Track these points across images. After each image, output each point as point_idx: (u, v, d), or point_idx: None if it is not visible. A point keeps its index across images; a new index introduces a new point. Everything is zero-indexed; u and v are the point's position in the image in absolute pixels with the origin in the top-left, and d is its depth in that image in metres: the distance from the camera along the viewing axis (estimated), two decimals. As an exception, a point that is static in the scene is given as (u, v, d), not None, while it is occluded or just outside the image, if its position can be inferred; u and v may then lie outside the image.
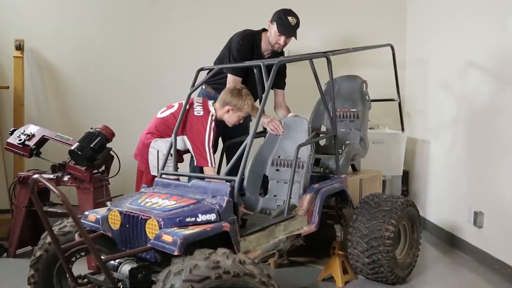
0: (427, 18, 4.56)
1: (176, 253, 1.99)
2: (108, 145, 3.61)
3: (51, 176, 3.58)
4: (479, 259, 3.56)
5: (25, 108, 4.67)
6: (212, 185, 2.45)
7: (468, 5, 3.75)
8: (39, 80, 4.88)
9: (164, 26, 4.87)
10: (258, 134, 3.19)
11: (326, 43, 4.64)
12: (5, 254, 3.75)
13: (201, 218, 2.22)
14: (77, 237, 2.38)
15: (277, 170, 3.17)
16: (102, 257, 2.06)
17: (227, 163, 3.39)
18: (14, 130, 3.79)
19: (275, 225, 2.61)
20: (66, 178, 3.59)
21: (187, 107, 3.13)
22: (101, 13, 4.86)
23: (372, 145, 3.89)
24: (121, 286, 2.10)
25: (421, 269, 3.43)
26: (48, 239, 2.43)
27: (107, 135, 3.58)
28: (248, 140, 2.65)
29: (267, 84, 2.78)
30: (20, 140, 3.69)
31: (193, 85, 3.10)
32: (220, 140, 3.79)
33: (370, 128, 4.43)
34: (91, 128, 3.61)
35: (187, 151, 3.21)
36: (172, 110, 3.24)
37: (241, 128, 3.73)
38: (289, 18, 3.52)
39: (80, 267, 2.55)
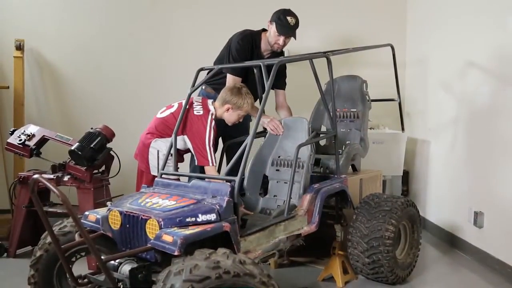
0: (427, 18, 4.56)
1: (176, 253, 1.99)
2: (108, 145, 3.61)
3: (51, 176, 3.58)
4: (479, 259, 3.56)
5: (25, 108, 4.67)
6: (212, 185, 2.45)
7: (468, 5, 3.75)
8: (39, 80, 4.88)
9: (164, 26, 4.87)
10: (258, 134, 3.19)
11: (326, 43, 4.64)
12: (5, 254, 3.75)
13: (201, 218, 2.22)
14: (77, 237, 2.38)
15: (277, 170, 3.17)
16: (102, 257, 2.06)
17: (227, 163, 3.39)
18: (14, 130, 3.79)
19: (275, 225, 2.61)
20: (66, 178, 3.59)
21: (187, 107, 3.13)
22: (101, 13, 4.87)
23: (372, 145, 3.89)
24: (121, 286, 2.10)
25: (421, 269, 3.43)
26: (48, 239, 2.43)
27: (107, 135, 3.58)
28: (248, 140, 2.65)
29: (267, 84, 2.78)
30: (20, 140, 3.69)
31: (193, 85, 3.10)
32: (220, 140, 3.79)
33: (370, 128, 4.43)
34: (91, 128, 3.61)
35: (188, 150, 3.21)
36: (172, 110, 3.24)
37: (241, 128, 3.73)
38: (288, 18, 3.52)
39: (80, 267, 2.56)
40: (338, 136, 3.21)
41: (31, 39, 4.71)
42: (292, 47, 4.10)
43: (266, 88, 2.73)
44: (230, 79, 3.54)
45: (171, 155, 2.91)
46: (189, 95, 3.08)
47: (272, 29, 3.57)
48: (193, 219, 2.20)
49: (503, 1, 3.30)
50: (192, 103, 3.17)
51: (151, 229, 2.15)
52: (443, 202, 4.21)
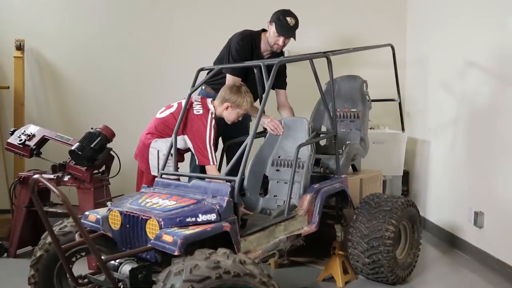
0: (427, 18, 4.56)
1: (176, 253, 1.99)
2: (108, 145, 3.61)
3: (52, 176, 3.58)
4: (479, 259, 3.56)
5: (26, 108, 4.67)
6: (212, 185, 2.45)
7: (468, 5, 3.75)
8: (40, 80, 4.88)
9: (164, 26, 4.88)
10: (258, 134, 3.19)
11: (326, 43, 4.64)
12: (5, 254, 3.75)
13: (202, 218, 2.22)
14: (77, 237, 2.38)
15: (277, 170, 3.17)
16: (103, 257, 2.06)
17: (227, 163, 3.39)
18: (14, 130, 3.79)
19: (275, 225, 2.61)
20: (66, 178, 3.59)
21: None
22: (101, 13, 4.87)
23: (373, 145, 3.89)
24: (122, 286, 2.10)
25: (422, 269, 3.43)
26: (49, 239, 2.44)
27: (107, 135, 3.58)
28: (248, 140, 2.65)
29: (267, 84, 2.78)
30: (21, 140, 3.69)
31: (193, 85, 3.10)
32: (220, 140, 3.79)
33: (370, 128, 4.43)
34: (92, 128, 3.61)
35: (188, 150, 3.21)
36: (171, 110, 3.24)
37: (242, 128, 3.74)
38: (288, 18, 3.52)
39: (80, 267, 2.56)
40: (338, 136, 3.21)
41: (31, 39, 4.72)
42: (292, 47, 4.11)
43: (266, 88, 2.73)
44: (230, 79, 3.54)
45: (171, 155, 2.91)
46: (189, 95, 3.08)
47: (272, 29, 3.56)
48: (193, 219, 2.20)
49: (503, 1, 3.30)
50: (191, 102, 3.17)
51: (151, 229, 2.15)
52: (443, 202, 4.21)
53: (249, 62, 3.44)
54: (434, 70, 4.42)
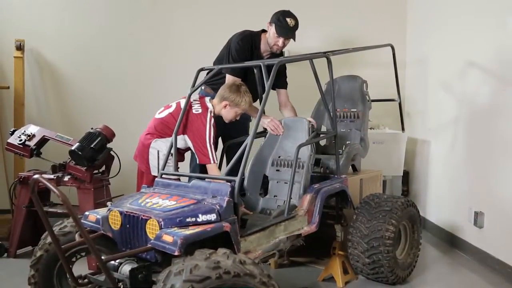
0: (427, 18, 4.56)
1: (176, 253, 1.99)
2: (108, 145, 3.61)
3: (52, 176, 3.58)
4: (479, 259, 3.56)
5: (26, 108, 4.67)
6: (212, 185, 2.45)
7: (468, 5, 3.75)
8: (40, 80, 4.89)
9: (164, 26, 4.88)
10: (258, 134, 3.18)
11: (326, 43, 4.64)
12: (5, 254, 3.74)
13: (202, 218, 2.22)
14: (77, 237, 2.38)
15: (277, 170, 3.17)
16: (103, 257, 2.06)
17: (227, 163, 3.39)
18: (14, 130, 3.79)
19: (275, 225, 2.61)
20: (66, 178, 3.59)
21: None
22: (101, 13, 4.87)
23: (373, 145, 3.89)
24: (122, 286, 2.10)
25: (422, 269, 3.43)
26: (49, 239, 2.44)
27: (107, 135, 3.58)
28: (248, 140, 2.65)
29: (267, 84, 2.77)
30: (21, 140, 3.69)
31: (193, 85, 3.10)
32: (220, 140, 3.79)
33: (370, 128, 4.43)
34: (92, 128, 3.61)
35: (188, 149, 3.21)
36: (170, 110, 3.24)
37: (241, 129, 3.74)
38: (288, 19, 3.51)
39: (80, 267, 2.56)
40: (338, 136, 3.21)
41: (31, 39, 4.72)
42: (292, 47, 4.10)
43: (266, 89, 2.73)
44: (230, 79, 3.54)
45: (171, 155, 2.91)
46: (189, 95, 3.08)
47: (272, 30, 3.56)
48: (193, 219, 2.20)
49: (503, 1, 3.30)
50: (190, 102, 3.18)
51: (151, 229, 2.15)
52: (443, 202, 4.21)
53: (249, 62, 3.44)
54: (434, 70, 4.42)
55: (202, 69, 3.16)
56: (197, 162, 3.16)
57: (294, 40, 3.60)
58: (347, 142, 3.58)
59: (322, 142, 3.70)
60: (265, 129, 3.31)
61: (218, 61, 3.77)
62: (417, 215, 3.27)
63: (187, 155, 3.39)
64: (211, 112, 3.15)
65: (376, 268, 3.02)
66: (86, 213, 2.47)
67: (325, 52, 3.37)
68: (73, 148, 3.46)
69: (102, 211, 2.44)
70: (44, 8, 4.83)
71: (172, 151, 2.91)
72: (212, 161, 3.03)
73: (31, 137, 3.72)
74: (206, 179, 2.67)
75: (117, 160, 3.67)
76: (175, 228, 2.12)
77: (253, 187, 3.13)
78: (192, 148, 3.12)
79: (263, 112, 2.79)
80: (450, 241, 4.00)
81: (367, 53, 4.26)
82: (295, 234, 2.75)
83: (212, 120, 3.12)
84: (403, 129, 4.16)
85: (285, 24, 3.51)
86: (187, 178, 3.09)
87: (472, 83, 3.70)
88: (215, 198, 2.36)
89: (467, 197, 3.75)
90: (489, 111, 3.47)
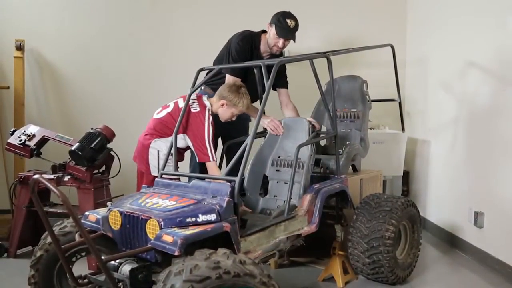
0: (427, 18, 4.56)
1: (176, 253, 1.99)
2: (108, 145, 3.61)
3: (52, 176, 3.58)
4: (479, 259, 3.56)
5: (26, 108, 4.67)
6: (212, 185, 2.45)
7: (468, 5, 3.75)
8: (40, 80, 4.89)
9: (164, 26, 4.88)
10: (258, 134, 3.19)
11: (326, 43, 4.64)
12: (5, 254, 3.75)
13: (202, 218, 2.22)
14: (77, 237, 2.38)
15: (277, 170, 3.17)
16: (103, 257, 2.06)
17: (227, 163, 3.39)
18: (14, 131, 3.79)
19: (275, 225, 2.61)
20: (66, 178, 3.59)
21: (183, 105, 3.15)
22: (101, 13, 4.87)
23: (373, 145, 3.89)
24: (122, 286, 2.10)
25: (422, 269, 3.43)
26: (49, 239, 2.44)
27: (107, 135, 3.58)
28: (248, 140, 2.65)
29: (267, 84, 2.77)
30: (21, 140, 3.69)
31: (193, 85, 3.10)
32: (220, 140, 3.79)
33: (370, 128, 4.43)
34: (92, 128, 3.61)
35: (187, 148, 3.22)
36: (169, 110, 3.25)
37: (241, 129, 3.74)
38: (288, 20, 3.51)
39: (80, 267, 2.56)
40: (338, 136, 3.21)
41: (31, 39, 4.72)
42: (293, 47, 4.10)
43: (266, 89, 2.73)
44: (230, 79, 3.54)
45: (171, 155, 2.91)
46: (189, 95, 3.08)
47: (272, 31, 3.56)
48: (193, 219, 2.20)
49: (503, 1, 3.30)
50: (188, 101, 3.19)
51: (151, 229, 2.15)
52: (443, 202, 4.21)
53: (249, 62, 3.44)
54: (434, 70, 4.42)
55: (202, 69, 3.16)
56: (197, 160, 3.17)
57: (294, 41, 3.60)
58: (347, 142, 3.58)
59: (322, 142, 3.70)
60: (265, 129, 3.31)
61: (218, 61, 3.77)
62: (417, 215, 3.27)
63: (187, 155, 3.39)
64: (209, 110, 3.15)
65: (376, 268, 3.02)
66: (86, 213, 2.47)
67: (325, 52, 3.37)
68: (73, 148, 3.46)
69: (102, 211, 2.45)
70: (44, 8, 4.83)
71: (172, 151, 2.91)
72: (211, 159, 3.03)
73: (31, 137, 3.72)
74: (206, 179, 2.67)
75: (117, 160, 3.67)
76: (175, 228, 2.12)
77: (253, 187, 3.14)
78: (192, 147, 3.12)
79: (263, 112, 2.79)
80: (450, 241, 4.00)
81: (367, 53, 4.26)
82: (295, 234, 2.75)
83: (211, 118, 3.12)
84: (403, 129, 4.16)
85: (285, 25, 3.50)
86: (187, 178, 3.10)
87: (472, 83, 3.70)
88: (215, 198, 2.36)
89: (467, 197, 3.75)
90: (489, 111, 3.47)
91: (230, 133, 3.59)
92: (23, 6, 4.80)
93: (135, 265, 2.09)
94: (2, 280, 3.32)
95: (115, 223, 2.31)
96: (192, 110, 3.13)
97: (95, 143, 3.48)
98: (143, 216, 2.21)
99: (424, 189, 4.57)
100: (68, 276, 2.26)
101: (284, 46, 3.62)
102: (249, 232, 2.44)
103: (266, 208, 3.08)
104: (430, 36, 4.45)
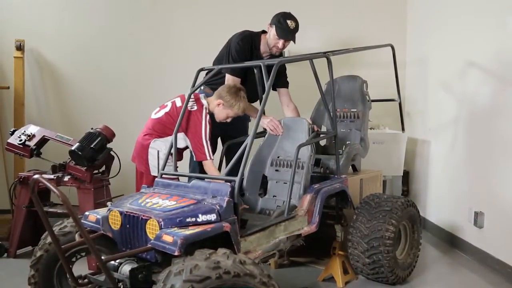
0: (427, 18, 4.56)
1: (176, 253, 1.99)
2: (108, 145, 3.61)
3: (52, 176, 3.58)
4: (479, 259, 3.56)
5: (26, 108, 4.67)
6: (212, 185, 2.45)
7: (468, 5, 3.75)
8: (40, 80, 4.89)
9: (164, 26, 4.88)
10: (258, 134, 3.19)
11: (326, 43, 4.64)
12: (5, 255, 3.74)
13: (202, 218, 2.22)
14: (77, 237, 2.38)
15: (277, 170, 3.17)
16: (103, 257, 2.06)
17: (227, 163, 3.39)
18: (14, 131, 3.79)
19: (275, 225, 2.61)
20: (66, 178, 3.59)
21: (180, 104, 3.18)
22: (101, 13, 4.87)
23: (373, 145, 3.89)
24: (122, 286, 2.10)
25: (422, 269, 3.43)
26: (49, 239, 2.44)
27: (107, 136, 3.58)
28: (248, 140, 2.65)
29: (267, 85, 2.77)
30: (21, 140, 3.69)
31: (193, 85, 3.11)
32: (220, 140, 3.79)
33: (370, 128, 4.43)
34: (92, 129, 3.61)
35: (186, 148, 3.22)
36: (166, 109, 3.25)
37: (241, 129, 3.74)
38: (288, 21, 3.51)
39: (80, 267, 2.56)
40: (338, 136, 3.21)
41: (31, 39, 4.72)
42: (293, 47, 4.09)
43: (266, 89, 2.73)
44: (230, 79, 3.54)
45: (171, 154, 2.91)
46: (189, 95, 3.08)
47: (272, 32, 3.56)
48: (193, 219, 2.20)
49: (503, 1, 3.30)
50: (185, 100, 3.19)
51: (151, 229, 2.15)
52: (443, 202, 4.21)
53: (249, 62, 3.44)
54: (434, 70, 4.42)
55: (202, 69, 3.16)
56: (194, 159, 3.17)
57: (294, 42, 3.60)
58: (347, 142, 3.58)
59: (322, 142, 3.70)
60: (265, 129, 3.31)
61: (217, 61, 3.77)
62: (417, 215, 3.27)
63: (186, 154, 3.39)
64: (206, 108, 3.16)
65: (376, 268, 3.02)
66: (86, 213, 2.47)
67: (325, 52, 3.37)
68: (73, 148, 3.46)
69: (102, 211, 2.45)
70: (44, 8, 4.83)
71: (172, 150, 2.91)
72: (208, 158, 3.04)
73: (31, 137, 3.72)
74: (206, 179, 2.67)
75: (117, 160, 3.67)
76: (175, 228, 2.12)
77: (252, 187, 3.13)
78: (190, 146, 3.13)
79: (263, 112, 2.79)
80: (450, 241, 4.00)
81: (367, 53, 4.26)
82: (295, 234, 2.75)
83: (208, 116, 3.13)
84: (403, 129, 4.16)
85: (286, 26, 3.50)
86: (187, 178, 3.10)
87: (472, 83, 3.70)
88: (215, 198, 2.36)
89: (467, 197, 3.75)
90: (489, 111, 3.47)
91: (230, 133, 3.59)
92: (23, 6, 4.80)
93: (135, 265, 2.09)
94: (2, 280, 3.32)
95: (115, 223, 2.31)
96: (189, 108, 3.14)
97: (95, 143, 3.47)
98: (143, 216, 2.21)
99: (424, 189, 4.57)
100: (68, 276, 2.26)
101: (284, 47, 3.62)
102: (249, 232, 2.44)
103: (265, 208, 3.08)
104: (430, 36, 4.45)
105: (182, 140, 3.13)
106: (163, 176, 2.78)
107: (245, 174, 3.06)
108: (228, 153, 3.56)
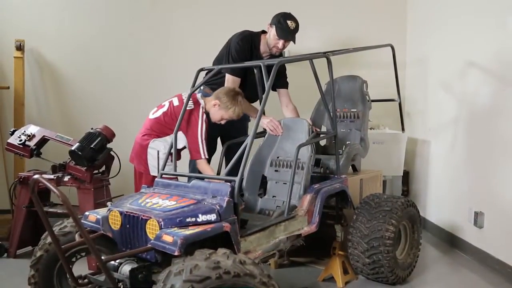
0: (427, 18, 4.56)
1: (176, 253, 1.99)
2: (108, 145, 3.61)
3: (52, 176, 3.58)
4: (479, 259, 3.56)
5: (26, 108, 4.67)
6: (212, 185, 2.45)
7: (468, 5, 3.75)
8: (40, 80, 4.88)
9: (164, 26, 4.88)
10: (257, 135, 3.18)
11: (326, 43, 4.64)
12: (5, 255, 3.74)
13: (202, 218, 2.22)
14: (77, 238, 2.38)
15: (276, 170, 3.17)
16: (103, 257, 2.06)
17: (227, 163, 3.39)
18: (14, 131, 3.79)
19: (275, 225, 2.61)
20: (66, 178, 3.58)
21: (178, 104, 3.18)
22: (101, 13, 4.87)
23: (373, 145, 3.89)
24: (122, 287, 2.10)
25: (422, 269, 3.43)
26: (49, 240, 2.44)
27: (107, 136, 3.57)
28: (248, 140, 2.65)
29: (267, 85, 2.77)
30: (21, 140, 3.69)
31: (193, 85, 3.11)
32: (220, 140, 3.79)
33: (370, 128, 4.43)
34: (92, 129, 3.60)
35: (184, 147, 3.22)
36: (164, 109, 3.26)
37: (241, 129, 3.74)
38: (288, 22, 3.51)
39: (80, 268, 2.56)
40: (338, 136, 3.21)
41: (31, 39, 4.72)
42: (293, 47, 4.09)
43: (266, 89, 2.73)
44: (230, 79, 3.54)
45: (171, 154, 2.91)
46: (189, 95, 3.09)
47: (272, 32, 3.56)
48: (193, 219, 2.20)
49: (503, 1, 3.30)
50: (182, 99, 3.19)
51: (151, 229, 2.15)
52: (443, 202, 4.21)
53: (249, 62, 3.44)
54: (434, 70, 4.42)
55: (202, 69, 3.16)
56: (190, 158, 3.17)
57: (294, 42, 3.60)
58: (347, 142, 3.58)
59: (322, 142, 3.70)
60: (265, 129, 3.31)
61: (217, 61, 3.77)
62: (417, 215, 3.27)
63: (186, 154, 3.39)
64: (202, 107, 3.18)
65: (376, 268, 3.02)
66: (86, 213, 2.47)
67: (325, 52, 3.37)
68: (73, 148, 3.46)
69: (102, 211, 2.45)
70: (44, 8, 4.83)
71: (172, 150, 2.91)
72: (202, 156, 3.05)
73: (31, 137, 3.72)
74: (206, 179, 2.67)
75: (117, 160, 3.66)
76: (175, 228, 2.12)
77: (252, 188, 3.13)
78: (187, 145, 3.13)
79: (263, 112, 2.79)
80: (450, 241, 4.00)
81: (367, 53, 4.26)
82: (295, 234, 2.75)
83: (204, 116, 3.14)
84: (403, 129, 4.16)
85: (286, 26, 3.50)
86: (187, 178, 3.10)
87: (472, 83, 3.70)
88: (215, 198, 2.36)
89: (467, 197, 3.75)
90: (489, 111, 3.47)
91: (230, 133, 3.60)
92: (23, 6, 4.80)
93: (135, 265, 2.09)
94: (2, 280, 3.32)
95: (115, 223, 2.31)
96: (187, 108, 3.14)
97: (95, 143, 3.47)
98: (143, 216, 2.21)
99: (424, 189, 4.57)
100: (68, 276, 2.26)
101: (284, 47, 3.62)
102: (249, 232, 2.44)
103: (264, 209, 3.08)
104: (430, 36, 4.45)
105: (181, 140, 3.13)
106: (163, 176, 2.78)
107: (244, 174, 3.06)
108: (228, 153, 3.56)
